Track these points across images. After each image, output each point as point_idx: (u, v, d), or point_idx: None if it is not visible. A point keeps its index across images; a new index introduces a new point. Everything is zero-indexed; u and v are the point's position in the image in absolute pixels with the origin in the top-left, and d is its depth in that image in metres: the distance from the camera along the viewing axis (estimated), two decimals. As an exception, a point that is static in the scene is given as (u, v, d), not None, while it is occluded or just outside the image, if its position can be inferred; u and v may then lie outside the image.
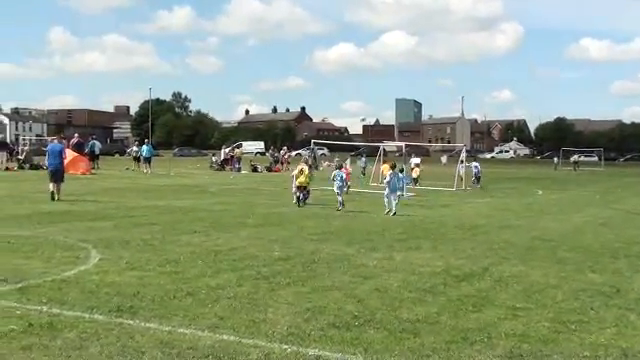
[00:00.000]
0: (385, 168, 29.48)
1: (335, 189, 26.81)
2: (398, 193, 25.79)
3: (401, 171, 26.84)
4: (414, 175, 43.07)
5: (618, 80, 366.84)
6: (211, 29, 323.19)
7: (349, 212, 24.92)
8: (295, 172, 27.65)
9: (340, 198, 26.36)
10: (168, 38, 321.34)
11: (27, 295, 10.12)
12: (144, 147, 54.39)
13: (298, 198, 26.80)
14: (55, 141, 30.76)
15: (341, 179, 27.02)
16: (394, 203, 24.87)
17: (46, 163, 29.71)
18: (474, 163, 46.31)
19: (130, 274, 11.92)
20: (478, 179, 44.63)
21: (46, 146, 51.78)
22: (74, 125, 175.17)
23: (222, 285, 11.17)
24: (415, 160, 47.83)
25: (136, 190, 33.55)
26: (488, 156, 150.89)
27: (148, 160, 53.03)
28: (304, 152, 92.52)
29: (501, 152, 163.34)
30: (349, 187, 32.63)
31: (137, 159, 55.93)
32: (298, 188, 26.96)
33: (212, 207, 25.77)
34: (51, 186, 26.89)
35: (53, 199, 26.24)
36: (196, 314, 9.29)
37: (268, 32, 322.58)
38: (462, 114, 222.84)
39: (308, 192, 27.39)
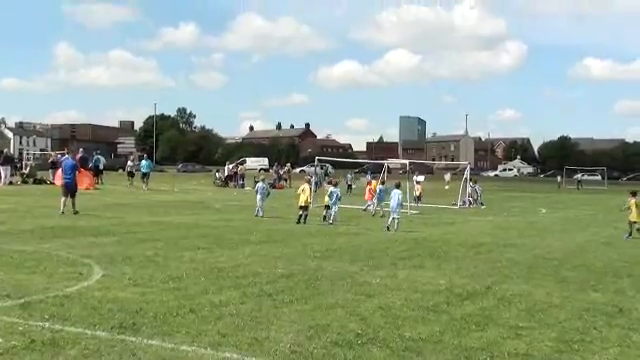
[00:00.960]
0: (374, 184, 32.69)
1: (330, 204, 27.77)
2: (393, 216, 25.86)
3: (397, 186, 26.82)
4: (417, 193, 43.01)
5: (621, 99, 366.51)
6: (216, 45, 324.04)
7: (352, 229, 24.92)
8: (299, 191, 27.89)
9: (332, 213, 27.39)
10: (173, 54, 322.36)
11: (29, 311, 10.09)
12: (143, 162, 53.59)
13: (300, 217, 26.89)
14: (69, 156, 31.19)
15: (336, 196, 27.90)
16: (391, 220, 25.43)
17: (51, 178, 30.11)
18: (476, 185, 46.17)
19: (133, 290, 11.90)
20: (475, 200, 44.55)
21: (56, 162, 52.04)
22: (78, 140, 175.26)
23: (225, 302, 11.15)
24: (418, 178, 47.85)
25: (139, 206, 33.53)
26: (492, 174, 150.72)
27: (146, 176, 51.52)
28: (307, 169, 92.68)
29: (505, 170, 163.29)
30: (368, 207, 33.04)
31: (131, 174, 54.93)
32: (300, 207, 27.14)
33: (215, 223, 25.76)
34: (62, 201, 27.47)
35: (62, 213, 26.73)
36: (199, 331, 9.27)
37: (273, 49, 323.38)
38: (466, 132, 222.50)
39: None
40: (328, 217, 27.42)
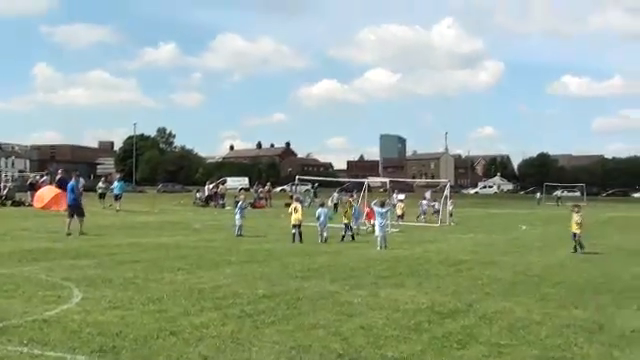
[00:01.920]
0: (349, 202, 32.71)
1: (318, 225, 27.95)
2: (376, 233, 26.33)
3: (382, 205, 27.15)
4: (398, 211, 43.06)
5: (599, 116, 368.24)
6: (195, 65, 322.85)
7: (333, 248, 24.92)
8: (290, 209, 28.24)
9: (323, 232, 27.78)
10: (153, 74, 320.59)
11: (7, 336, 10.01)
12: (115, 183, 53.15)
13: (294, 235, 27.08)
14: (61, 175, 31.63)
15: (324, 216, 28.17)
16: (378, 239, 25.80)
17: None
18: (434, 202, 47.13)
19: (113, 313, 11.83)
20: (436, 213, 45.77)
21: (34, 183, 51.98)
22: (57, 161, 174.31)
23: (206, 324, 11.10)
24: (399, 196, 47.93)
25: (119, 227, 33.41)
26: (472, 192, 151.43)
27: (118, 197, 50.93)
28: (288, 188, 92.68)
29: (485, 187, 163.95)
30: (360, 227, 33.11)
31: (102, 196, 54.07)
32: (293, 226, 27.38)
33: (196, 244, 25.68)
34: (67, 222, 28.19)
35: (69, 234, 27.37)
36: (180, 354, 9.22)
37: (252, 68, 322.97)
38: (446, 150, 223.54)
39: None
40: (321, 238, 27.63)
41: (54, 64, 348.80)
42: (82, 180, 54.88)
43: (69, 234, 27.36)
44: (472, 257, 22.96)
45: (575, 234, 25.56)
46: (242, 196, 34.58)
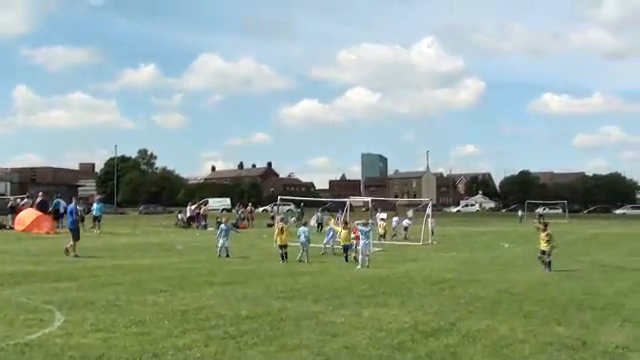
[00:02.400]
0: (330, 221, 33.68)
1: (300, 244, 28.15)
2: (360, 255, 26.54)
3: (365, 224, 27.39)
4: (380, 230, 43.14)
5: (580, 134, 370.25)
6: (176, 86, 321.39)
7: (315, 268, 24.94)
8: (276, 231, 28.48)
9: (303, 251, 27.88)
10: (133, 95, 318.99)
11: (-10, 359, 9.97)
12: (95, 205, 52.19)
13: (282, 256, 27.31)
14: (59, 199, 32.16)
15: (304, 235, 28.21)
16: (360, 258, 26.12)
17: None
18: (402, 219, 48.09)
19: (95, 336, 11.78)
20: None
21: (15, 206, 51.90)
22: (38, 183, 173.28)
23: (189, 345, 11.08)
24: (381, 215, 48.03)
25: (101, 249, 33.28)
26: (454, 210, 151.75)
27: (97, 219, 50.24)
28: (269, 208, 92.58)
29: (467, 206, 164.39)
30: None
31: (82, 219, 52.95)
32: (280, 247, 27.71)
33: (178, 265, 25.64)
34: (73, 245, 28.79)
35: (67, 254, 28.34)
36: (162, 376, 9.19)
37: (233, 88, 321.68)
38: (427, 168, 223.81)
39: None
40: (302, 257, 27.66)
41: (34, 86, 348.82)
42: (62, 202, 55.00)
43: (76, 255, 28.03)
44: (454, 275, 22.99)
45: (544, 251, 25.40)
46: (224, 218, 34.61)
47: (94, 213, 50.66)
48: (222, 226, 30.84)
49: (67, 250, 28.58)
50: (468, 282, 21.03)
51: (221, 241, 29.67)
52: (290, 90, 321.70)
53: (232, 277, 21.66)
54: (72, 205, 30.74)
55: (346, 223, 31.02)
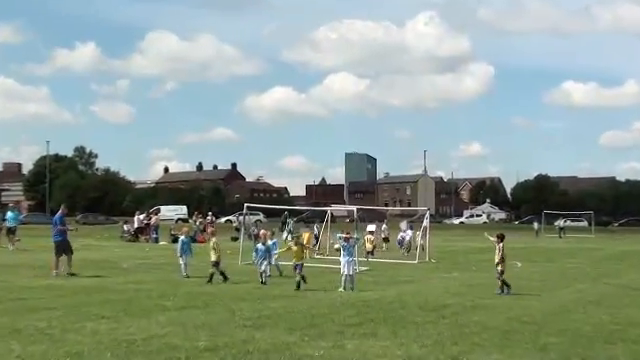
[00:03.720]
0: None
1: (255, 261, 28.80)
2: (342, 271, 26.44)
3: (347, 239, 27.36)
4: (368, 246, 43.14)
5: (608, 130, 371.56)
6: (121, 70, 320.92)
7: (289, 291, 24.94)
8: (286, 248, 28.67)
9: (262, 271, 28.00)
10: (68, 81, 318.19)
11: None
12: (9, 214, 50.69)
13: (299, 283, 26.81)
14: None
15: (262, 252, 28.41)
16: (343, 279, 26.26)
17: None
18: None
19: (22, 371, 11.76)
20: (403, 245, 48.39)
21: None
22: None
23: (136, 383, 11.08)
24: (369, 227, 48.10)
25: (31, 266, 33.22)
26: (456, 222, 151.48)
27: (12, 231, 48.80)
28: (234, 218, 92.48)
29: (472, 217, 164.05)
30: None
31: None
32: (295, 266, 27.42)
33: (123, 286, 25.62)
34: (54, 261, 30.26)
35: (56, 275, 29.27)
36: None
37: (190, 74, 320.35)
38: (425, 171, 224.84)
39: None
40: (261, 277, 27.63)
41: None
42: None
43: (56, 274, 28.80)
44: (457, 300, 23.03)
45: (501, 271, 25.68)
46: (185, 228, 34.65)
47: (7, 224, 49.44)
48: (182, 238, 30.85)
49: (53, 270, 29.61)
50: (473, 308, 21.11)
51: (182, 258, 29.69)
52: (258, 76, 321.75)
53: (189, 301, 21.67)
54: (60, 214, 31.78)
55: (298, 238, 30.95)
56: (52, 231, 31.55)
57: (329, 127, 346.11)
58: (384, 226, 53.66)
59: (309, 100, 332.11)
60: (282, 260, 29.53)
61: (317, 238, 45.04)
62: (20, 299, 21.19)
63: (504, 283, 25.38)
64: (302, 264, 27.25)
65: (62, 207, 32.68)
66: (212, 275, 27.63)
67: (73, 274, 29.01)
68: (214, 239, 29.48)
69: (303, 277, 26.48)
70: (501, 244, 25.80)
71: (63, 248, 30.20)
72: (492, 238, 26.69)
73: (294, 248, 28.29)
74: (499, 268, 25.62)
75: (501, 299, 23.80)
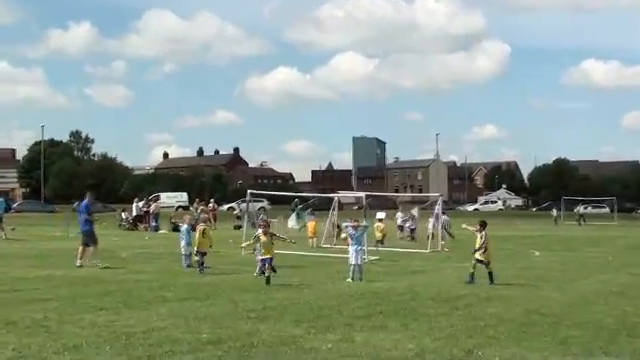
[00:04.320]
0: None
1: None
2: (350, 261, 26.37)
3: (356, 227, 27.26)
4: (378, 235, 43.10)
5: (631, 112, 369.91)
6: (117, 51, 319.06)
7: (294, 281, 24.93)
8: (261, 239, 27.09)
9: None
10: (62, 63, 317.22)
11: None
12: None
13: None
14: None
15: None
16: (351, 269, 26.14)
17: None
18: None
19: (18, 365, 11.80)
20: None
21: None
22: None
23: (136, 378, 11.11)
24: (379, 215, 48.05)
25: (26, 256, 33.30)
26: (470, 208, 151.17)
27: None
28: (236, 205, 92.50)
29: (487, 203, 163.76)
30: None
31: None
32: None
33: (122, 277, 25.68)
34: (80, 251, 30.14)
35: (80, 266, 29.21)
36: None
37: (189, 55, 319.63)
38: (437, 155, 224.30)
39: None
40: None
41: None
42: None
43: (80, 266, 28.85)
44: (471, 291, 23.02)
45: (482, 261, 25.72)
46: (187, 216, 34.66)
47: None
48: (184, 227, 30.87)
49: (78, 260, 29.52)
50: (489, 299, 21.10)
51: (185, 247, 29.66)
52: (261, 56, 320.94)
53: (190, 292, 21.70)
54: (87, 201, 31.67)
55: (267, 225, 27.38)
56: (78, 220, 31.47)
57: (336, 110, 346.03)
58: (399, 214, 53.56)
59: (314, 82, 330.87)
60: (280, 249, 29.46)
61: (338, 226, 44.63)
62: (15, 290, 21.24)
63: (490, 275, 25.33)
64: (271, 258, 25.11)
65: (88, 195, 32.42)
66: (202, 263, 27.71)
67: (106, 266, 29.10)
68: (202, 226, 29.19)
69: (274, 269, 24.96)
70: (483, 232, 25.68)
71: (90, 238, 30.06)
72: (471, 228, 26.55)
73: (262, 239, 25.90)
74: (477, 256, 25.49)
75: (517, 289, 23.78)
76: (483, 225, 25.96)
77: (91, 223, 30.71)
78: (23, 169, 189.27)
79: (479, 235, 25.68)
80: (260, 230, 26.68)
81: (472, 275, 25.35)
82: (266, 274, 24.54)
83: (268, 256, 25.13)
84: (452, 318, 17.63)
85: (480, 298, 21.36)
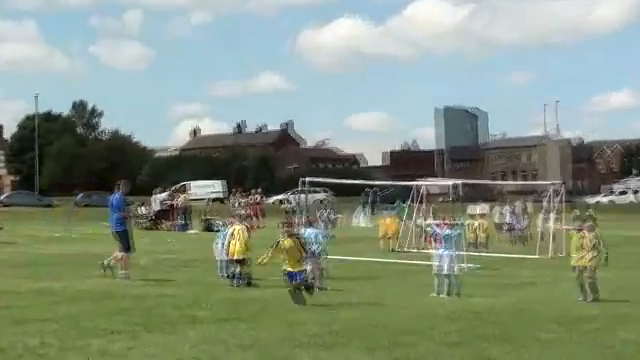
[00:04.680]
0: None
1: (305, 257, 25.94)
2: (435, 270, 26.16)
3: (452, 225, 27.16)
4: (482, 235, 43.01)
5: None
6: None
7: (365, 297, 24.92)
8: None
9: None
10: (61, 14, 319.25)
11: None
12: None
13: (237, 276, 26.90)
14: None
15: (316, 242, 27.69)
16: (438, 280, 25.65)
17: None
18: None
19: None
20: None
21: None
22: None
23: None
24: (478, 209, 47.96)
25: (16, 263, 33.60)
26: (605, 200, 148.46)
27: None
28: (289, 197, 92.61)
29: (618, 193, 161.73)
30: None
31: None
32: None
33: (140, 290, 25.80)
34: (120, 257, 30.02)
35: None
36: None
37: (225, 3, 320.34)
38: (557, 130, 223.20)
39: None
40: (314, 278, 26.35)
41: None
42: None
43: (126, 277, 29.23)
44: (603, 310, 22.84)
45: (586, 267, 25.22)
46: (241, 210, 34.30)
47: None
48: (227, 230, 30.58)
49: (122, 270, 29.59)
50: (623, 321, 20.92)
51: (220, 251, 29.41)
52: (317, 4, 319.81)
53: (230, 310, 21.74)
54: (118, 195, 31.61)
55: (290, 225, 26.33)
56: (109, 219, 31.46)
57: (415, 72, 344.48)
58: (506, 207, 53.30)
59: (387, 35, 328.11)
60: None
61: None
62: (4, 308, 21.36)
63: (593, 288, 25.01)
64: (302, 271, 24.04)
65: (122, 184, 32.01)
66: (248, 276, 27.61)
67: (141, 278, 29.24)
68: (238, 226, 28.72)
69: (308, 287, 23.66)
70: (592, 233, 25.32)
71: (125, 242, 30.10)
72: (570, 227, 26.24)
73: (286, 244, 24.23)
74: (587, 264, 25.11)
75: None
76: (592, 219, 25.74)
77: (126, 222, 30.76)
78: (12, 151, 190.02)
79: (587, 236, 25.28)
80: (284, 232, 24.89)
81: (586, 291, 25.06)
82: (292, 289, 23.26)
83: (298, 269, 23.77)
84: (578, 346, 17.49)
85: (610, 318, 21.19)
